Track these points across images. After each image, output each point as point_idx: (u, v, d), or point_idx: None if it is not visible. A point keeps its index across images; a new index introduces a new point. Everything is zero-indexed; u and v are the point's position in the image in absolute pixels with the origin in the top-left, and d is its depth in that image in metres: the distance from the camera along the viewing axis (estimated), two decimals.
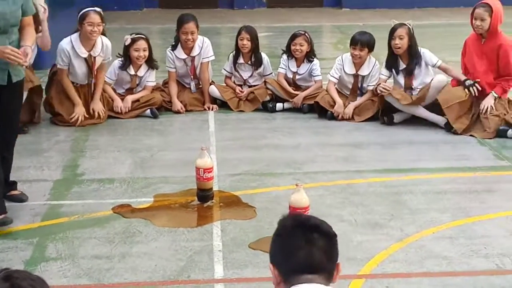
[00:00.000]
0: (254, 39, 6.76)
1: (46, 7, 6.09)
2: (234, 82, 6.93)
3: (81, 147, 5.75)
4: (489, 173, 5.13)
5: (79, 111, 6.24)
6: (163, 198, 4.66)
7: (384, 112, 6.28)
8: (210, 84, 6.86)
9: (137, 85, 6.67)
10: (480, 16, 5.89)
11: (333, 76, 6.57)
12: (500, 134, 5.89)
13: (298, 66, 6.79)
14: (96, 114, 6.32)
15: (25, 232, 4.15)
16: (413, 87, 6.30)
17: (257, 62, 6.82)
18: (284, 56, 6.83)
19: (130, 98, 6.55)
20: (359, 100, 6.48)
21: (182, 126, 6.37)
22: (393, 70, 6.32)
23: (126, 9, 13.91)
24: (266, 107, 6.75)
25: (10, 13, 4.08)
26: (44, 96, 6.37)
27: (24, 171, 5.10)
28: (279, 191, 4.75)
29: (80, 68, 6.24)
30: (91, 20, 6.04)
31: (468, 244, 3.97)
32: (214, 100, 6.87)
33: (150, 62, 6.63)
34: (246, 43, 6.73)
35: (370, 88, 6.46)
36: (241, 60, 6.85)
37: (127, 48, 6.54)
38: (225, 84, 6.96)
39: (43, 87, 6.37)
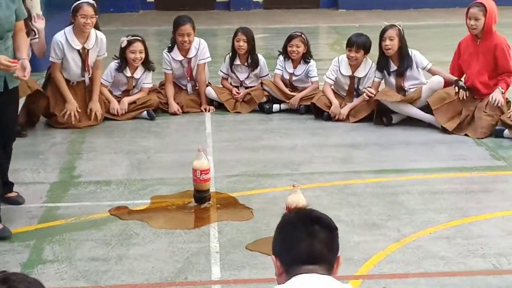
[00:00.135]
0: (251, 41, 6.77)
1: (43, 17, 6.11)
2: (230, 84, 6.93)
3: (78, 149, 5.74)
4: (486, 173, 5.13)
5: (70, 107, 6.22)
6: (160, 200, 4.66)
7: (379, 114, 6.27)
8: (207, 86, 6.86)
9: (134, 87, 6.67)
10: (475, 16, 5.91)
11: (329, 78, 6.57)
12: (497, 134, 5.90)
13: (294, 67, 6.80)
14: (93, 114, 6.31)
15: (22, 235, 4.14)
16: (405, 88, 6.32)
17: (254, 64, 6.82)
18: (281, 58, 6.83)
19: (126, 100, 6.55)
20: (355, 101, 6.49)
21: (178, 127, 6.37)
22: (385, 71, 6.34)
23: (122, 11, 13.91)
24: (263, 109, 6.76)
25: (5, 18, 4.04)
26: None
27: (21, 174, 5.09)
28: (276, 192, 4.75)
29: (74, 62, 6.22)
30: (84, 12, 6.05)
31: (465, 244, 3.98)
32: (210, 102, 6.87)
33: (147, 64, 6.63)
34: (242, 45, 6.73)
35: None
36: (237, 62, 6.85)
37: (123, 50, 6.54)
38: (221, 86, 6.96)
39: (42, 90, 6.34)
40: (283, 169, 5.21)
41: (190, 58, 6.75)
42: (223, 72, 6.97)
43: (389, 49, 6.20)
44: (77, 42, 6.20)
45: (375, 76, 6.42)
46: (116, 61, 6.61)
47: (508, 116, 5.87)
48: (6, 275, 1.69)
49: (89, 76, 6.35)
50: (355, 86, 6.54)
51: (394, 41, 6.20)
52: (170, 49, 6.78)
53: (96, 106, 6.33)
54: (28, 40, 6.09)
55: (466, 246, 3.95)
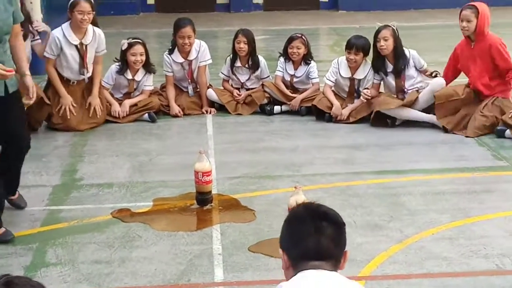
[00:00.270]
0: (251, 42, 6.77)
1: (48, 29, 6.18)
2: (231, 86, 6.93)
3: (80, 152, 5.75)
4: (488, 173, 5.13)
5: (65, 102, 6.23)
6: (162, 202, 4.66)
7: (382, 115, 6.25)
8: (208, 88, 6.87)
9: (135, 89, 6.67)
10: (467, 18, 5.94)
11: (329, 79, 6.58)
12: (498, 134, 5.90)
13: (295, 69, 6.80)
14: (92, 109, 6.30)
15: (25, 238, 4.15)
16: (405, 89, 6.33)
17: (254, 65, 6.82)
18: (281, 59, 6.84)
19: (128, 102, 6.56)
20: (355, 103, 6.48)
21: (180, 130, 6.37)
22: (382, 72, 6.35)
23: (122, 14, 13.91)
24: (264, 110, 6.76)
25: (3, 20, 4.02)
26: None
27: (23, 177, 5.04)
28: (278, 193, 4.75)
29: (72, 58, 6.23)
30: (81, 8, 6.06)
31: (468, 244, 3.98)
32: (212, 104, 6.87)
33: (148, 67, 6.63)
34: (243, 46, 6.74)
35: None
36: (238, 64, 6.85)
37: (124, 53, 6.55)
38: (222, 88, 6.96)
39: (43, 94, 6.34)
40: (285, 171, 5.21)
41: (191, 60, 6.75)
42: (224, 74, 6.97)
43: (384, 49, 6.22)
44: (75, 37, 6.21)
45: (374, 78, 6.43)
46: (117, 63, 6.61)
47: (510, 116, 5.87)
48: (9, 278, 1.70)
49: (89, 74, 6.34)
50: (355, 88, 6.55)
51: (388, 41, 6.21)
52: (171, 52, 6.78)
53: (95, 101, 6.33)
54: (29, 44, 6.13)
55: (468, 247, 3.95)
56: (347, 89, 6.58)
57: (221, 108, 6.84)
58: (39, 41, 6.35)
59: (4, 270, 3.59)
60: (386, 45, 6.21)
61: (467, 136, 5.91)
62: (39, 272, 3.73)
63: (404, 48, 6.34)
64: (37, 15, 6.70)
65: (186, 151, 5.60)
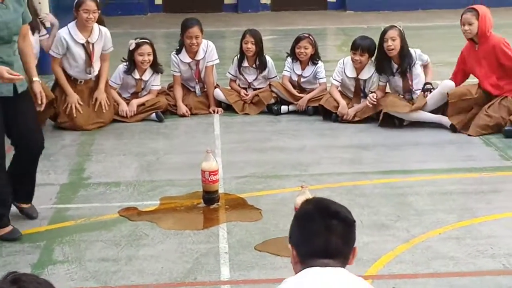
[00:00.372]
0: (259, 43, 6.78)
1: (55, 22, 6.21)
2: (238, 85, 6.94)
3: (87, 151, 5.77)
4: (495, 173, 5.12)
5: (71, 100, 6.25)
6: (169, 201, 4.67)
7: (390, 116, 6.24)
8: (215, 88, 6.88)
9: (142, 89, 6.69)
10: (468, 21, 5.95)
11: (336, 79, 6.58)
12: (506, 134, 5.89)
13: (303, 69, 6.80)
14: (98, 103, 6.32)
15: (32, 236, 4.17)
16: (412, 89, 6.32)
17: (262, 65, 6.83)
18: (289, 59, 6.84)
19: (135, 102, 6.58)
20: (361, 104, 6.48)
21: (187, 129, 6.38)
22: (387, 73, 6.34)
23: (130, 14, 13.94)
24: (271, 110, 6.76)
25: (13, 21, 4.01)
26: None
27: None
28: (284, 193, 4.75)
29: (79, 56, 6.25)
30: (87, 7, 6.09)
31: (475, 244, 3.97)
32: (219, 103, 6.88)
33: (155, 67, 6.65)
34: (250, 47, 6.74)
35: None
36: (245, 64, 6.86)
37: (131, 53, 6.57)
38: (229, 88, 6.97)
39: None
40: (292, 170, 5.21)
41: (198, 60, 6.76)
42: (231, 74, 6.98)
43: (392, 49, 6.21)
44: (81, 36, 6.24)
45: (380, 80, 6.43)
46: (125, 63, 6.64)
47: None
48: (16, 275, 1.71)
49: (95, 73, 6.36)
50: (361, 88, 6.54)
51: (396, 41, 6.21)
52: (178, 52, 6.80)
53: (101, 96, 6.34)
54: (37, 39, 6.19)
55: (475, 247, 3.94)
56: (353, 89, 6.57)
57: (228, 108, 6.85)
58: (47, 36, 6.38)
59: (11, 268, 3.62)
60: (394, 45, 6.20)
61: (469, 135, 5.90)
62: (46, 270, 3.74)
63: (409, 48, 6.34)
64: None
65: (193, 150, 5.61)
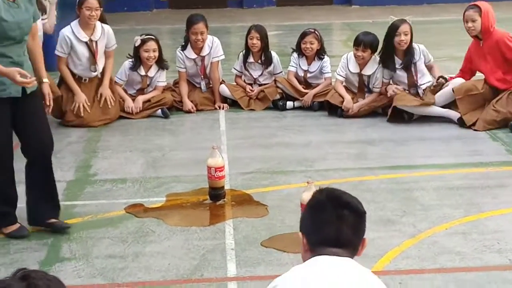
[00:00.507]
0: (264, 38, 6.77)
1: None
2: (244, 81, 6.94)
3: (93, 148, 5.78)
4: (501, 168, 5.11)
5: (79, 99, 6.27)
6: (175, 197, 4.68)
7: (399, 110, 6.23)
8: (221, 84, 6.88)
9: (148, 85, 6.70)
10: (471, 18, 5.94)
11: (340, 75, 6.57)
12: None
13: (309, 64, 6.80)
14: (103, 99, 6.33)
15: (39, 233, 4.17)
16: (417, 84, 6.31)
17: (267, 61, 6.82)
18: (295, 54, 6.83)
19: (141, 98, 6.58)
20: (366, 100, 6.46)
21: (193, 125, 6.39)
22: (391, 69, 6.33)
23: (136, 10, 13.97)
24: (277, 106, 6.76)
25: (25, 21, 3.97)
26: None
27: None
28: (290, 189, 4.75)
29: (83, 54, 6.28)
30: (89, 4, 6.12)
31: (481, 239, 3.96)
32: (224, 99, 6.89)
33: (161, 63, 6.66)
34: (255, 42, 6.74)
35: (376, 90, 6.46)
36: (251, 59, 6.86)
37: (137, 49, 6.58)
38: (235, 83, 6.97)
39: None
40: (298, 166, 5.21)
41: (204, 56, 6.76)
42: (236, 70, 6.98)
43: (405, 43, 6.21)
44: (84, 34, 6.26)
45: (383, 77, 6.41)
46: (130, 60, 6.64)
47: None
48: (25, 272, 1.71)
49: (99, 71, 6.37)
50: (365, 83, 6.53)
51: (408, 36, 6.21)
52: (184, 48, 6.80)
53: (106, 91, 6.36)
54: (40, 24, 6.20)
55: (482, 242, 3.94)
56: (357, 84, 6.57)
57: (233, 104, 6.85)
58: (46, 20, 6.40)
59: (19, 265, 3.62)
60: (407, 40, 6.21)
61: (475, 130, 5.89)
62: (53, 267, 3.76)
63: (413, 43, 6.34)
64: (52, 11, 6.71)
65: (199, 146, 5.62)
